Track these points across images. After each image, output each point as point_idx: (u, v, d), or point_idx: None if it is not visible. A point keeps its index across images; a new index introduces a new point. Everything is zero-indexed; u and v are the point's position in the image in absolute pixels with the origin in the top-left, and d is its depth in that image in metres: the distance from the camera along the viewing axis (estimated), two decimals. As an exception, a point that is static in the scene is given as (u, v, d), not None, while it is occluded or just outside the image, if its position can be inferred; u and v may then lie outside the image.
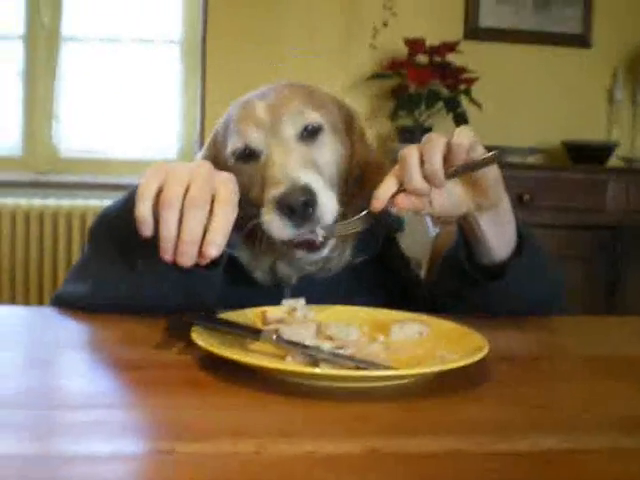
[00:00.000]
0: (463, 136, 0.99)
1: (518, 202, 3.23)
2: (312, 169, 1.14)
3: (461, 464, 0.66)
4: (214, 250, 0.90)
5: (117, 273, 1.10)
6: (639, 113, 3.88)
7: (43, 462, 0.62)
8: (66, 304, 1.16)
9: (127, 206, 1.04)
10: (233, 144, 1.19)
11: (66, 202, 3.68)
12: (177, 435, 0.69)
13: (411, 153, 1.00)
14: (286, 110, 1.19)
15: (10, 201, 3.65)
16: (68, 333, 1.09)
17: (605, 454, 0.69)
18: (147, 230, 0.92)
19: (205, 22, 3.72)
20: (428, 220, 1.72)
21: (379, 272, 1.31)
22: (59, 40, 3.83)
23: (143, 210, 0.91)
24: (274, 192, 1.09)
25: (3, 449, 0.64)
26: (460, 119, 3.51)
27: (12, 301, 3.68)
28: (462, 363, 0.85)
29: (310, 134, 1.19)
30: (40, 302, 3.65)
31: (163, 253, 0.91)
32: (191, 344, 0.89)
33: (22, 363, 0.93)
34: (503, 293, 1.14)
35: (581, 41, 3.87)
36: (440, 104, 3.52)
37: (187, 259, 0.90)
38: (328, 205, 1.09)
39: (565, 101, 3.84)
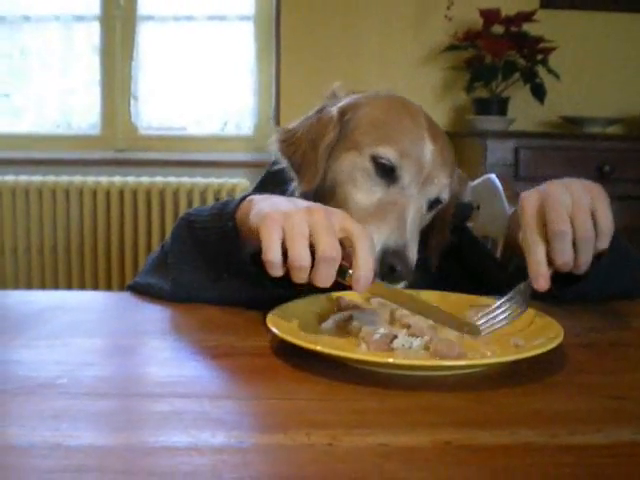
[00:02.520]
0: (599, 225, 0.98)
1: (598, 174, 3.16)
2: (417, 237, 1.15)
3: (534, 457, 0.66)
4: (363, 285, 0.89)
5: (199, 281, 1.13)
6: None
7: (122, 453, 0.64)
8: (145, 294, 1.20)
9: (212, 221, 1.10)
10: (386, 152, 1.16)
11: (145, 179, 3.75)
12: (252, 426, 0.71)
13: (564, 232, 0.96)
14: (440, 174, 1.18)
15: (91, 179, 3.73)
16: (148, 320, 1.12)
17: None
18: (279, 272, 0.92)
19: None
20: (503, 198, 1.71)
21: (447, 262, 1.31)
22: (135, 19, 3.88)
23: (272, 258, 0.90)
24: (387, 240, 1.08)
25: (83, 439, 0.66)
26: (538, 90, 3.44)
27: (94, 278, 3.77)
28: (536, 352, 0.84)
29: (432, 204, 1.21)
30: (122, 279, 3.73)
31: (296, 278, 0.91)
32: (269, 331, 0.91)
33: (103, 350, 0.96)
34: (582, 293, 1.13)
35: (662, 6, 3.75)
36: (517, 75, 3.46)
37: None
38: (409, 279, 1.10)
39: (645, 69, 3.74)
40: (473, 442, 0.68)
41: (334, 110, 1.22)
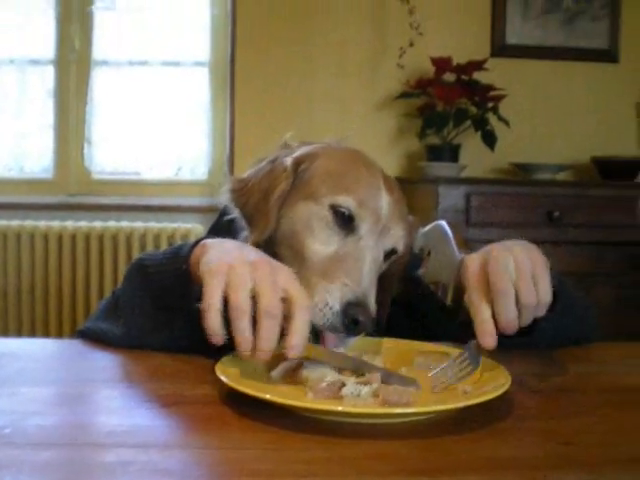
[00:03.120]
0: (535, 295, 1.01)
1: (547, 219, 3.21)
2: (375, 286, 1.14)
3: None
4: (296, 352, 0.90)
5: (150, 324, 1.14)
6: (669, 127, 3.86)
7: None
8: (94, 340, 1.19)
9: (166, 264, 1.11)
10: (345, 201, 1.14)
11: (98, 224, 3.72)
12: (199, 476, 0.71)
13: (507, 291, 0.99)
14: (397, 225, 1.19)
15: (42, 223, 3.70)
16: (98, 368, 1.11)
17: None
18: (219, 340, 0.92)
19: (233, 44, 3.75)
20: (453, 244, 1.72)
21: (396, 313, 1.32)
22: (90, 64, 3.88)
23: (213, 324, 0.91)
24: (347, 293, 1.07)
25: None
26: (488, 137, 3.50)
27: (45, 324, 3.72)
28: (484, 398, 0.85)
29: (388, 255, 1.20)
30: (73, 324, 3.68)
31: (241, 352, 0.91)
32: (218, 379, 0.91)
33: (50, 399, 0.95)
34: (529, 344, 1.15)
35: (608, 56, 3.85)
36: (468, 122, 3.52)
37: (264, 359, 0.91)
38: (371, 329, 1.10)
39: (594, 117, 3.83)
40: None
41: (288, 160, 1.21)
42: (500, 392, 0.87)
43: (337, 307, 1.05)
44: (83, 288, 3.72)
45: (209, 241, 1.05)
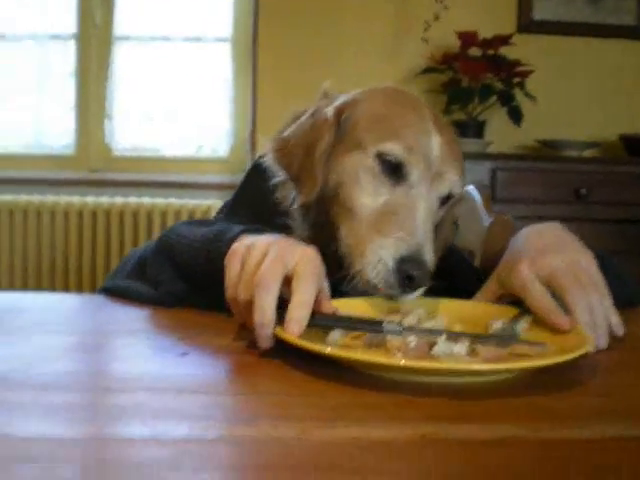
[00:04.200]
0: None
1: (574, 197, 3.16)
2: (431, 237, 1.08)
3: (514, 451, 0.63)
4: (295, 326, 0.83)
5: (183, 293, 1.10)
6: (699, 105, 3.78)
7: (76, 444, 0.61)
8: (122, 297, 1.16)
9: (198, 242, 1.07)
10: (392, 148, 1.07)
11: (119, 200, 3.70)
12: (217, 419, 0.68)
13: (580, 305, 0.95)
14: (451, 168, 1.11)
15: (64, 199, 3.68)
16: (120, 320, 1.09)
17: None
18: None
19: (256, 19, 3.71)
20: (480, 211, 1.68)
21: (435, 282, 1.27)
22: (111, 39, 3.86)
23: (230, 297, 0.91)
24: (401, 248, 1.01)
25: (50, 431, 0.62)
26: (514, 113, 3.44)
27: (66, 298, 3.70)
28: (552, 361, 0.80)
29: (445, 199, 1.14)
30: (93, 299, 3.66)
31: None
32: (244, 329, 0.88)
33: (68, 347, 0.92)
34: None
35: (636, 33, 3.77)
36: (494, 98, 3.45)
37: (262, 341, 0.85)
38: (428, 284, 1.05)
39: (622, 94, 3.75)
40: (451, 436, 0.65)
41: (330, 110, 1.14)
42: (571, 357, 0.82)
43: (390, 263, 1.00)
44: (103, 264, 3.71)
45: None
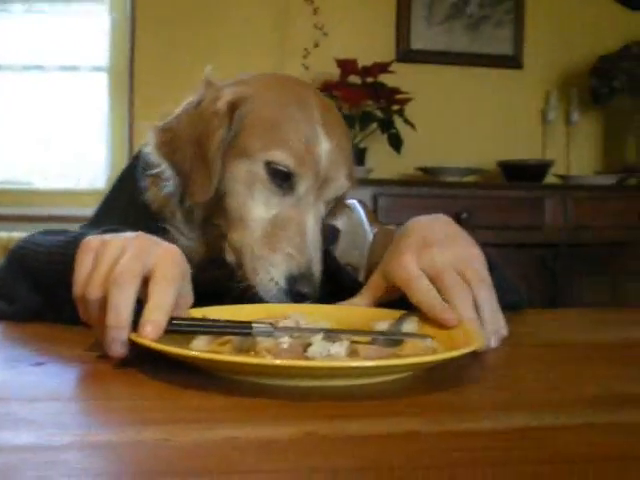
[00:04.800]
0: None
1: (456, 221, 3.17)
2: (319, 246, 1.06)
3: (416, 444, 0.57)
4: (150, 328, 0.73)
5: (39, 306, 1.00)
6: (572, 132, 3.88)
7: None
8: None
9: (54, 247, 0.98)
10: (281, 158, 1.03)
11: (-10, 234, 3.52)
12: (67, 425, 0.59)
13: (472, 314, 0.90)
14: (339, 171, 1.08)
15: None
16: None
17: (576, 430, 0.61)
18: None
19: (132, 48, 3.62)
20: (365, 222, 1.64)
21: None
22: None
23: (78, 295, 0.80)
24: (290, 267, 1.00)
25: None
26: (395, 140, 3.45)
27: None
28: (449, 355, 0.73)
29: (332, 200, 1.11)
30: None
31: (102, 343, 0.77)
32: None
33: None
34: None
35: (513, 62, 3.86)
36: (374, 125, 3.46)
37: (115, 346, 0.74)
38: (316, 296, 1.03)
39: (499, 122, 3.83)
40: (342, 433, 0.58)
41: (221, 103, 1.06)
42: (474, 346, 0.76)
43: (282, 282, 1.00)
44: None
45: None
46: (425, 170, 3.54)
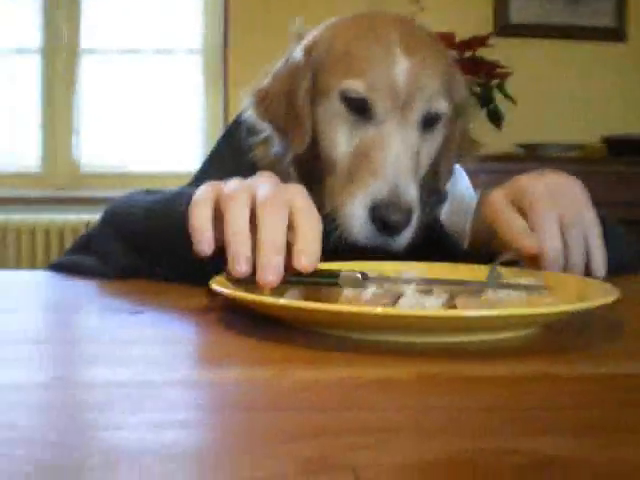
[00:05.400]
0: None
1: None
2: (415, 171, 1.00)
3: (535, 386, 0.51)
4: (307, 260, 0.66)
5: (137, 264, 0.95)
6: (680, 106, 3.71)
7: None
8: (69, 271, 1.02)
9: (154, 204, 0.94)
10: (353, 86, 0.99)
11: (86, 217, 3.55)
12: (178, 364, 0.55)
13: (546, 212, 0.82)
14: (424, 87, 1.01)
15: (31, 217, 3.54)
16: (73, 293, 0.95)
17: None
18: (205, 244, 0.71)
19: (226, 30, 3.61)
20: (470, 187, 1.57)
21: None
22: (78, 53, 3.74)
23: (200, 216, 0.72)
24: (372, 194, 0.93)
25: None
26: (494, 115, 3.35)
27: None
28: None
29: (428, 121, 1.03)
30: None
31: (234, 268, 0.68)
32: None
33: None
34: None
35: (615, 35, 3.71)
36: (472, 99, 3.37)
37: (273, 273, 0.66)
38: (417, 222, 0.96)
39: (602, 96, 3.68)
40: (460, 374, 0.53)
41: (298, 52, 1.05)
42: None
43: (361, 214, 0.92)
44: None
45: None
46: (526, 146, 3.43)
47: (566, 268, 0.83)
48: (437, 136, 1.06)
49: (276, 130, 1.07)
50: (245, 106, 1.11)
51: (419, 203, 0.97)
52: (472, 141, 1.18)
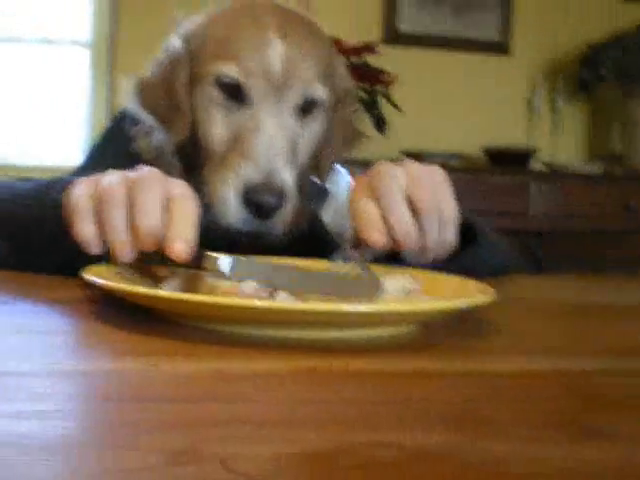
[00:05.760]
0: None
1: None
2: (291, 157, 0.99)
3: (429, 382, 0.52)
4: (180, 244, 0.67)
5: (7, 253, 0.92)
6: (558, 120, 3.84)
7: None
8: None
9: (25, 191, 0.93)
10: (226, 70, 0.99)
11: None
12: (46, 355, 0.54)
13: (392, 189, 0.80)
14: (300, 72, 1.00)
15: None
16: None
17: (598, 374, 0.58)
18: (97, 247, 0.71)
19: (114, 20, 3.55)
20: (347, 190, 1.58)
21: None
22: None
23: (84, 230, 0.71)
24: (245, 178, 0.93)
25: None
26: (379, 121, 3.40)
27: None
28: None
29: (305, 108, 1.03)
30: None
31: (118, 257, 0.70)
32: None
33: None
34: (466, 266, 0.98)
35: (499, 48, 3.82)
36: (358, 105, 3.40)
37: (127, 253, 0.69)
38: (293, 207, 0.96)
39: (485, 107, 3.78)
40: (335, 369, 0.53)
41: (175, 40, 1.05)
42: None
43: (234, 197, 0.92)
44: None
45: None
46: (409, 153, 3.49)
47: (422, 253, 0.83)
48: (317, 124, 1.06)
49: (157, 119, 1.06)
50: (127, 96, 1.09)
51: (296, 190, 0.97)
52: (355, 131, 1.17)
